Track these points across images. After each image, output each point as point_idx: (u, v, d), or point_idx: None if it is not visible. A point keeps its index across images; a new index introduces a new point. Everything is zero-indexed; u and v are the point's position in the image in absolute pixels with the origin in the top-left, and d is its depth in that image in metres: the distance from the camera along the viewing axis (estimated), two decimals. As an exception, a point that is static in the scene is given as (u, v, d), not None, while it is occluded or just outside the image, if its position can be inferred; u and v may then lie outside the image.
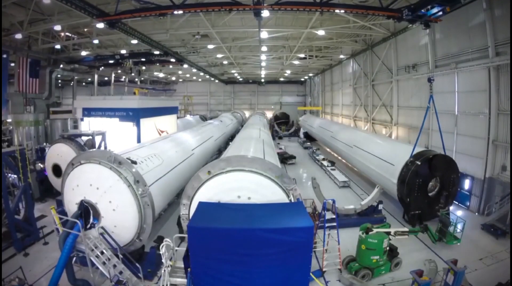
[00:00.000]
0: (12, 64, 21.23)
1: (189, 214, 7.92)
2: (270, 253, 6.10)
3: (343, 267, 9.30)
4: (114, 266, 7.73)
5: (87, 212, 7.98)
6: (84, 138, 14.39)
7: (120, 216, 8.29)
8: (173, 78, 50.87)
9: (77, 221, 7.58)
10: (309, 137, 35.38)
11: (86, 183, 8.28)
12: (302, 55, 29.32)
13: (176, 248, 7.43)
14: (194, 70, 35.78)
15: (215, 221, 6.35)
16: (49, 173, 14.07)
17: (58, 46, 22.35)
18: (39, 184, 14.85)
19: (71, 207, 8.42)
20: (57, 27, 17.88)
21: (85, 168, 8.58)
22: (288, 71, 41.94)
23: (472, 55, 14.11)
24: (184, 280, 6.75)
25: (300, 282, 6.48)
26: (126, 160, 8.79)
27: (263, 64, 32.95)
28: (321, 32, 19.91)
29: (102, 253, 7.74)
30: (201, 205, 7.04)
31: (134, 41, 19.99)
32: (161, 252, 6.86)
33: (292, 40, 23.80)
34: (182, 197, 8.16)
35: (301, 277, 6.43)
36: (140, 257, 9.11)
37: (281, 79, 51.47)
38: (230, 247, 6.07)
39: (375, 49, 24.27)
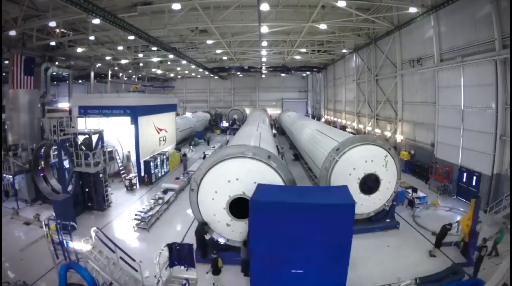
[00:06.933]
0: (6, 62, 20.80)
1: (197, 200, 8.98)
2: (316, 227, 6.90)
3: None
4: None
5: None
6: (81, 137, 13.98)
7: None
8: (172, 75, 50.29)
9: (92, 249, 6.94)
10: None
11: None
12: (304, 50, 28.83)
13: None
14: (193, 66, 35.30)
15: (274, 197, 7.49)
16: None
17: (53, 43, 21.88)
18: (34, 185, 14.40)
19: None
20: (52, 24, 17.45)
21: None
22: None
23: (478, 48, 13.71)
24: None
25: (341, 256, 7.04)
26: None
27: (264, 59, 32.48)
28: (323, 26, 19.42)
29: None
30: (260, 186, 7.91)
31: (131, 37, 19.59)
32: (154, 262, 6.58)
33: (293, 34, 23.34)
34: (191, 183, 9.06)
35: (342, 252, 7.02)
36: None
37: (283, 74, 50.81)
38: (285, 221, 6.92)
39: (379, 43, 23.81)
